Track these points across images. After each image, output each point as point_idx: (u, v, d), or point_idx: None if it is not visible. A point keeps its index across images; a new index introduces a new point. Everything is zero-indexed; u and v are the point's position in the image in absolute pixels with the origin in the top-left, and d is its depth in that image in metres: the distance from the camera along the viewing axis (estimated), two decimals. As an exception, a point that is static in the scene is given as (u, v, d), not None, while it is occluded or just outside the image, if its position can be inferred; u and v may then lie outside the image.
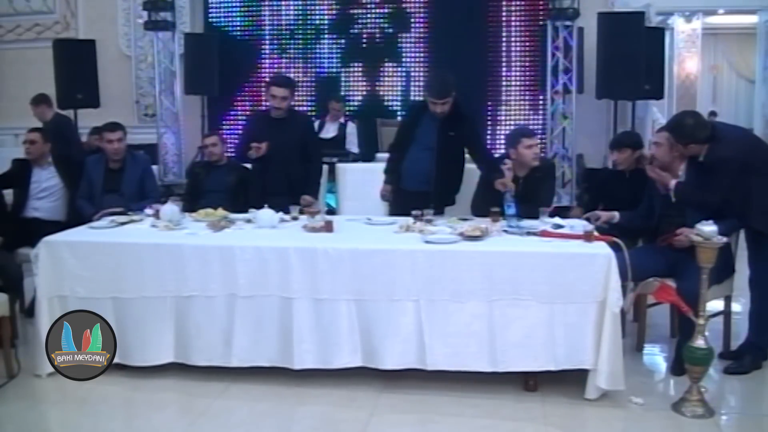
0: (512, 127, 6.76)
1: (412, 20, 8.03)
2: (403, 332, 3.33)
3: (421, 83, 7.84)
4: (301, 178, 4.69)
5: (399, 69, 8.11)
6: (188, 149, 7.82)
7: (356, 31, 8.11)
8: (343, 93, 7.95)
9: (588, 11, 7.00)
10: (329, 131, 7.07)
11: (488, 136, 7.60)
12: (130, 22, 8.45)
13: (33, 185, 4.68)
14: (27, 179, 4.68)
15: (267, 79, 7.16)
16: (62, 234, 3.75)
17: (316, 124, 6.88)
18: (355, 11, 8.10)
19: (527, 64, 7.86)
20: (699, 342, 3.15)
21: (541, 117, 7.68)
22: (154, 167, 5.37)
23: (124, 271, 3.51)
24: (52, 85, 7.18)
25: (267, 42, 8.31)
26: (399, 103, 8.11)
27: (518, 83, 7.93)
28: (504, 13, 7.89)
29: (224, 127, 8.28)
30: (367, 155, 6.69)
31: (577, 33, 6.92)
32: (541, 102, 7.59)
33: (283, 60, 8.33)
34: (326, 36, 8.19)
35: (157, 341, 3.51)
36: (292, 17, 8.25)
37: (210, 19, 8.39)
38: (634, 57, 6.50)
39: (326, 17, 8.18)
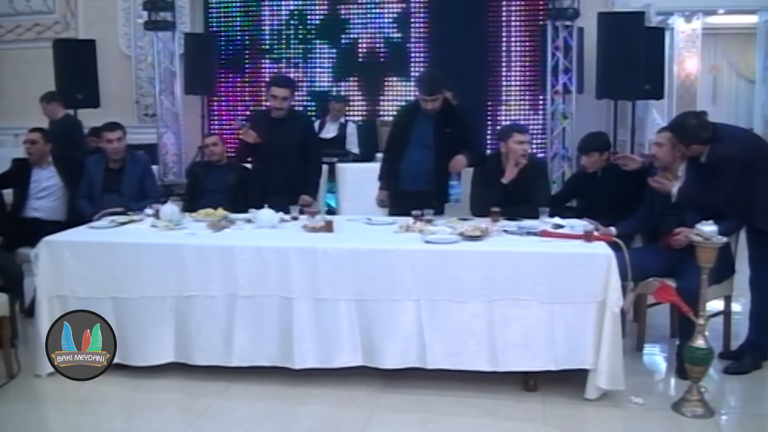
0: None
1: (412, 21, 8.02)
2: (404, 332, 3.33)
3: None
4: (301, 178, 4.69)
5: (399, 69, 8.09)
6: (188, 149, 7.82)
7: (354, 34, 8.09)
8: (343, 93, 7.94)
9: (588, 11, 7.00)
10: (329, 131, 7.05)
11: (488, 136, 7.58)
12: (130, 22, 8.44)
13: (33, 185, 4.68)
14: (27, 179, 4.68)
15: (267, 80, 7.17)
16: (62, 234, 3.75)
17: (316, 124, 6.88)
18: (355, 11, 8.09)
19: (527, 64, 7.85)
20: (699, 342, 3.15)
21: (541, 117, 7.67)
22: (154, 167, 5.38)
23: (124, 271, 3.51)
24: (52, 85, 7.15)
25: (267, 42, 8.30)
26: (399, 104, 8.08)
27: (518, 83, 7.92)
28: (504, 13, 7.88)
29: (224, 127, 8.27)
30: (367, 155, 6.69)
31: (577, 33, 6.93)
32: (541, 102, 7.59)
33: (283, 60, 8.32)
34: (326, 36, 8.17)
35: (157, 341, 3.51)
36: (291, 17, 8.23)
37: (210, 19, 8.38)
38: (634, 57, 6.50)
39: (320, 17, 8.17)
